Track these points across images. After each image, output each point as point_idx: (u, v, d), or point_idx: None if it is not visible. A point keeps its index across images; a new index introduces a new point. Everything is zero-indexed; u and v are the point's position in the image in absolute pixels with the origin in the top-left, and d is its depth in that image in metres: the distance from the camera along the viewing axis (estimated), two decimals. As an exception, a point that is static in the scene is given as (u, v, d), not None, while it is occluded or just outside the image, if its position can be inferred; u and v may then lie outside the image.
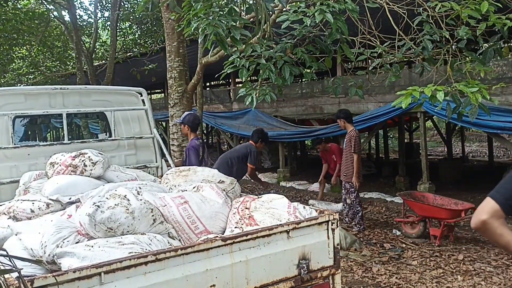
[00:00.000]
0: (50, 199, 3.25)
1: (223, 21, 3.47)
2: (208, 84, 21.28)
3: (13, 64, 15.96)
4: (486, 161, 14.81)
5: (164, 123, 18.98)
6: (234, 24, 3.56)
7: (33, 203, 3.19)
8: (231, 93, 15.20)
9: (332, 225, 2.85)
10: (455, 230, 6.24)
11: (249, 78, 4.33)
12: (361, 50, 4.25)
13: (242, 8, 5.24)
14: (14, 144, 3.94)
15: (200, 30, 3.43)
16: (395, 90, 9.28)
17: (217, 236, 2.63)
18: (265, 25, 3.65)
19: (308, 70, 4.82)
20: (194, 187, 3.30)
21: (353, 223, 6.75)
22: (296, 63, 4.13)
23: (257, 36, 3.98)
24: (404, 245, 5.98)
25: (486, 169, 13.02)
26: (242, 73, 3.94)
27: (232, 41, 3.70)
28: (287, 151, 12.65)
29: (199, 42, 8.56)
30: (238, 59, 3.97)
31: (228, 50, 3.80)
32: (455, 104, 3.56)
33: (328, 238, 2.84)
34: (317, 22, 3.57)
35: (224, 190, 3.32)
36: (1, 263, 1.81)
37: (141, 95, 4.71)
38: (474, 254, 5.53)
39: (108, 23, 14.85)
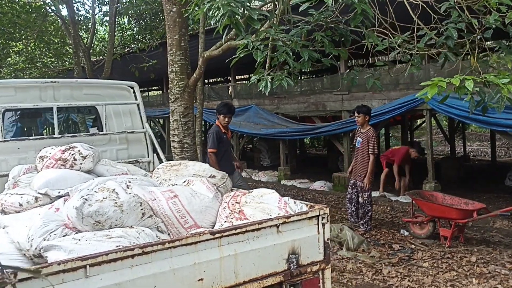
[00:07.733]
0: (38, 193, 3.22)
1: (238, 2, 3.30)
2: (207, 81, 21.19)
3: (9, 59, 15.84)
4: (487, 160, 14.69)
5: (161, 120, 18.85)
6: (249, 5, 3.39)
7: (21, 197, 3.17)
8: (230, 90, 15.09)
9: (322, 219, 2.83)
10: (464, 231, 6.00)
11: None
12: (379, 40, 4.08)
13: None
14: (4, 138, 3.90)
15: (211, 12, 3.24)
16: (399, 87, 9.19)
17: (205, 230, 2.61)
18: (281, 8, 3.51)
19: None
20: (184, 181, 3.28)
21: (361, 222, 6.51)
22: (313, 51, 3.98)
23: (271, 21, 3.83)
24: (413, 246, 5.76)
25: (488, 169, 12.87)
26: (257, 54, 3.76)
27: (249, 21, 3.50)
28: (287, 149, 12.42)
29: (200, 36, 8.45)
30: (252, 43, 3.79)
31: (243, 34, 3.61)
32: (480, 97, 3.39)
33: (318, 232, 2.81)
34: (339, 3, 3.35)
35: (215, 184, 3.30)
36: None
37: (133, 89, 4.67)
38: (487, 255, 5.32)
39: (106, 18, 14.76)
